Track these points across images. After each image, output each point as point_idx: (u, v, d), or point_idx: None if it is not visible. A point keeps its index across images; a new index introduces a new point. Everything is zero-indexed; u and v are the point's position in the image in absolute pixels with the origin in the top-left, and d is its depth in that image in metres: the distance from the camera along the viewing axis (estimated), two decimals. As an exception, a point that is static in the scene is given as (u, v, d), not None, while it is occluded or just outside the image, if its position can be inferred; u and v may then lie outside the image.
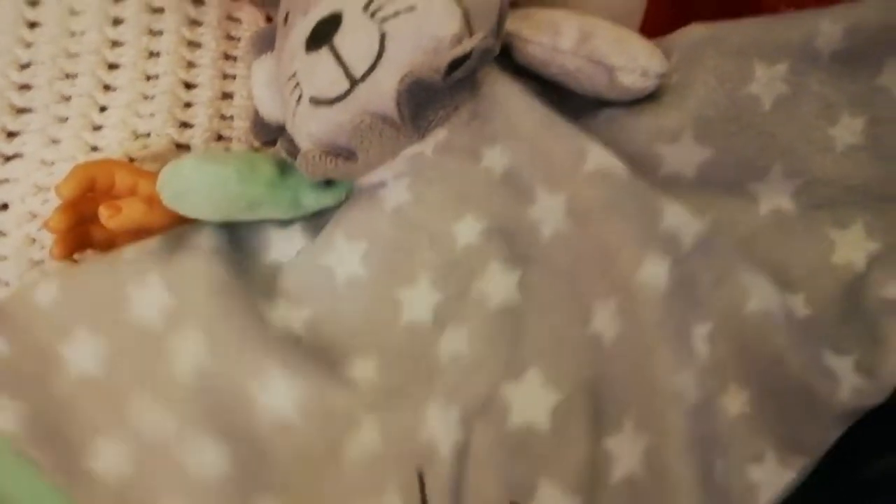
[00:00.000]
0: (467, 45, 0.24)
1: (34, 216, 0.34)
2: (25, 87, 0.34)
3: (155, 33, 0.35)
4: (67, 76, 0.34)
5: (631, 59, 0.26)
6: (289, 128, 0.28)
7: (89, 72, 0.34)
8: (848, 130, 0.28)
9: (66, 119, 0.34)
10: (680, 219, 0.26)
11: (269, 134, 0.30)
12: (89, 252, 0.33)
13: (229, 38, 0.37)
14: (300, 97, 0.25)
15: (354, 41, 0.24)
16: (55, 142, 0.34)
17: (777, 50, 0.27)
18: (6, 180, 0.34)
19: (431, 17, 0.25)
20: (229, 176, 0.28)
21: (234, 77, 0.36)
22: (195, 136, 0.35)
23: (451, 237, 0.27)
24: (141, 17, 0.35)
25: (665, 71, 0.27)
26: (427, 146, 0.27)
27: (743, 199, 0.28)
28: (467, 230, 0.27)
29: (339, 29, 0.24)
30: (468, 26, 0.25)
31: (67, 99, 0.34)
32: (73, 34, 0.35)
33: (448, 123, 0.26)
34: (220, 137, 0.35)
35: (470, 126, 0.27)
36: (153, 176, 0.32)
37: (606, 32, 0.27)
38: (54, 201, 0.33)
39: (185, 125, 0.35)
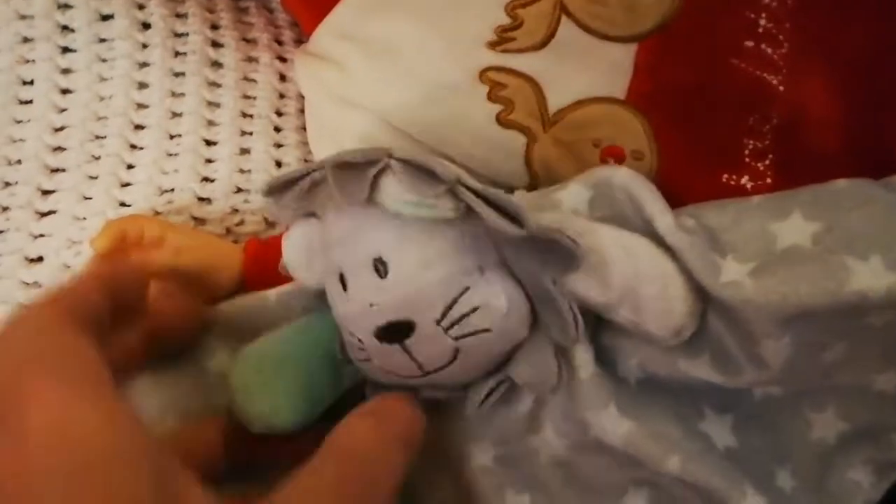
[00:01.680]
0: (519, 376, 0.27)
1: (67, 268, 0.36)
2: (59, 149, 0.37)
3: (177, 95, 0.38)
4: (97, 137, 0.37)
5: (666, 321, 0.26)
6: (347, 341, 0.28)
7: (117, 133, 0.37)
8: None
9: (97, 177, 0.36)
10: None
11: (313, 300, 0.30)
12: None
13: (246, 97, 0.39)
14: (369, 360, 0.26)
15: (429, 351, 0.25)
16: (86, 198, 0.36)
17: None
18: (41, 235, 0.36)
19: (503, 335, 0.26)
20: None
21: (251, 133, 0.39)
22: (216, 190, 0.37)
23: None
24: (164, 82, 0.38)
25: (695, 328, 0.26)
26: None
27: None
28: None
29: (412, 336, 0.25)
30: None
31: (97, 158, 0.37)
32: (101, 99, 0.37)
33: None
34: (239, 190, 0.38)
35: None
36: (179, 228, 0.34)
37: (650, 286, 0.26)
38: (86, 254, 0.35)
39: (206, 180, 0.37)
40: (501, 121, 0.33)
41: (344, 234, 0.26)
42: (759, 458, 0.28)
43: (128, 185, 0.37)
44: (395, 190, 0.24)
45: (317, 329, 0.29)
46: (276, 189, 0.27)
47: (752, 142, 0.31)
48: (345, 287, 0.26)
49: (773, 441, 0.28)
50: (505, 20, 0.31)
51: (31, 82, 0.37)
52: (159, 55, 0.38)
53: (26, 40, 0.37)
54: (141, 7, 0.39)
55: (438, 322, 0.25)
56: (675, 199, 0.28)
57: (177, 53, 0.39)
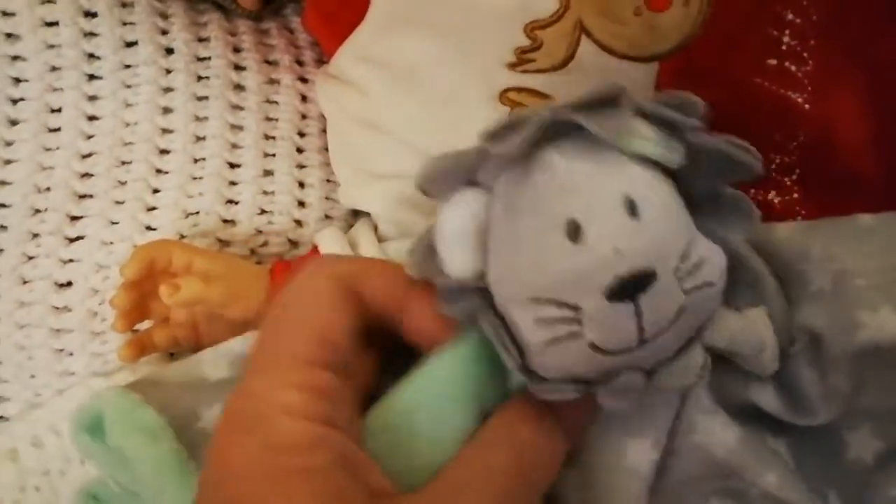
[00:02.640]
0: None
1: (96, 292, 0.37)
2: (87, 175, 0.37)
3: (201, 119, 0.39)
4: (123, 163, 0.38)
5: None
6: (528, 339, 0.23)
7: (143, 158, 0.38)
8: None
9: (123, 202, 0.37)
10: None
11: (463, 300, 0.23)
12: (146, 323, 0.36)
13: (268, 119, 0.40)
14: (576, 335, 0.22)
15: (660, 308, 0.22)
16: (114, 223, 0.37)
17: None
18: (70, 260, 0.37)
19: (718, 295, 0.23)
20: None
21: (274, 155, 0.39)
22: (240, 212, 0.38)
23: None
24: (188, 106, 0.38)
25: None
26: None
27: None
28: None
29: (649, 290, 0.22)
30: None
31: (124, 184, 0.37)
32: (127, 124, 0.38)
33: None
34: (263, 211, 0.38)
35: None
36: (206, 253, 0.35)
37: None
38: (114, 278, 0.36)
39: (231, 202, 0.38)
40: None
41: (580, 179, 0.22)
42: (814, 481, 0.28)
43: (154, 209, 0.37)
44: (647, 131, 0.22)
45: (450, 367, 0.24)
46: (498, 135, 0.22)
47: (778, 157, 0.30)
48: (576, 238, 0.22)
49: (819, 463, 0.28)
50: (524, 42, 0.32)
51: (59, 110, 0.38)
52: (183, 80, 0.39)
53: (54, 69, 0.38)
54: (164, 33, 0.40)
55: (675, 271, 0.22)
56: None
57: (200, 77, 0.39)
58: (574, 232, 0.22)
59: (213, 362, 0.30)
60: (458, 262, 0.23)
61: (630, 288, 0.21)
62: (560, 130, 0.22)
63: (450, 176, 0.23)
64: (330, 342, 0.22)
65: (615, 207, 0.22)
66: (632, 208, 0.22)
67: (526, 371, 0.23)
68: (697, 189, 0.23)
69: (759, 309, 0.26)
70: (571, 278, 0.22)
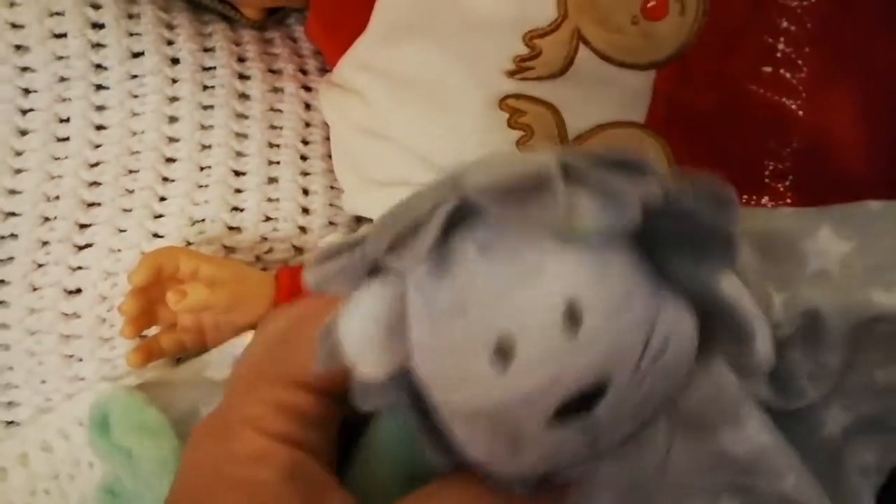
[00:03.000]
0: None
1: (104, 298, 0.37)
2: (95, 184, 0.38)
3: (206, 128, 0.39)
4: (130, 172, 0.38)
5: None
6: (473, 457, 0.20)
7: (150, 167, 0.38)
8: None
9: (131, 210, 0.38)
10: None
11: (381, 398, 0.20)
12: (153, 329, 0.37)
13: (273, 128, 0.40)
14: (515, 455, 0.19)
15: (615, 415, 0.19)
16: (121, 231, 0.37)
17: None
18: (79, 267, 0.37)
19: (686, 368, 0.20)
20: None
21: (278, 162, 0.40)
22: (246, 219, 0.38)
23: None
24: (194, 115, 0.39)
25: None
26: None
27: None
28: None
29: (600, 402, 0.18)
30: None
31: (131, 192, 0.38)
32: (134, 134, 0.39)
33: None
34: (268, 218, 0.39)
35: None
36: (212, 260, 0.35)
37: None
38: (122, 285, 0.36)
39: (236, 209, 0.38)
40: (521, 147, 0.33)
41: (505, 284, 0.18)
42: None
43: (160, 216, 0.38)
44: (591, 205, 0.18)
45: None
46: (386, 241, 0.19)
47: (772, 163, 0.31)
48: (507, 361, 0.18)
49: (798, 444, 0.28)
50: (523, 50, 0.32)
51: (68, 120, 0.38)
52: (188, 89, 0.39)
53: (62, 80, 0.38)
54: (170, 43, 0.40)
55: (633, 372, 0.18)
56: None
57: (205, 87, 0.40)
58: (504, 353, 0.18)
59: (218, 363, 0.31)
60: (370, 365, 0.20)
61: (574, 408, 0.18)
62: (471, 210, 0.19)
63: (348, 272, 0.20)
64: (330, 371, 0.21)
65: (551, 322, 0.18)
66: (572, 318, 0.18)
67: (443, 452, 0.20)
68: (665, 228, 0.20)
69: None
70: (504, 410, 0.19)
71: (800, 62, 0.30)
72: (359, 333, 0.20)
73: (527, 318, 0.18)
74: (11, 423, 0.38)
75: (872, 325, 0.25)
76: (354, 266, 0.20)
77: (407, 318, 0.19)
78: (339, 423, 0.22)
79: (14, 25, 0.38)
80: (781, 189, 0.31)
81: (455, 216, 0.18)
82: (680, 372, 0.20)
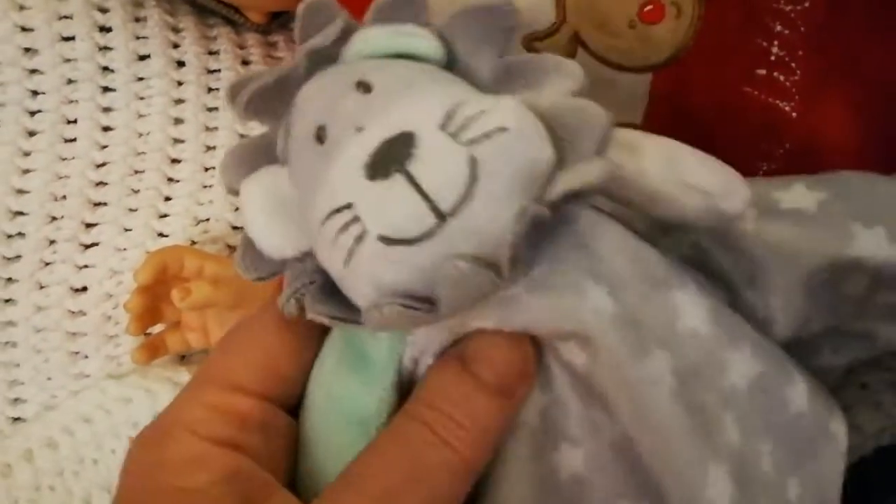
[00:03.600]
0: (586, 174, 0.19)
1: (110, 296, 0.38)
2: (101, 184, 0.39)
3: (211, 130, 0.40)
4: (136, 172, 0.39)
5: (726, 185, 0.23)
6: (336, 273, 0.20)
7: (155, 167, 0.39)
8: None
9: (136, 210, 0.38)
10: None
11: (270, 269, 0.21)
12: (158, 327, 0.37)
13: (276, 129, 0.41)
14: (361, 235, 0.19)
15: (438, 168, 0.19)
16: (127, 230, 0.38)
17: None
18: (85, 266, 0.38)
19: (526, 138, 0.20)
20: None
21: (281, 164, 0.40)
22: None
23: None
24: (199, 117, 0.40)
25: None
26: (520, 287, 0.21)
27: None
28: None
29: (413, 152, 0.19)
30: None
31: (137, 192, 0.39)
32: (140, 135, 0.39)
33: (546, 260, 0.21)
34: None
35: (569, 260, 0.21)
36: (216, 258, 0.36)
37: (691, 155, 0.23)
38: (127, 283, 0.37)
39: (239, 209, 0.39)
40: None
41: (321, 85, 0.21)
42: None
43: (166, 216, 0.38)
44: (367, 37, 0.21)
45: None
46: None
47: (765, 164, 0.31)
48: (323, 141, 0.20)
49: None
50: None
51: (75, 121, 0.39)
52: (194, 91, 0.40)
53: (70, 82, 0.39)
54: (176, 46, 0.41)
55: (443, 126, 0.19)
56: None
57: (210, 89, 0.41)
58: (320, 136, 0.20)
59: None
60: (275, 239, 0.21)
61: (388, 159, 0.19)
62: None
63: (247, 160, 0.21)
64: (274, 372, 0.21)
65: (346, 91, 0.20)
66: (363, 87, 0.20)
67: (349, 311, 0.20)
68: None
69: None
70: (332, 180, 0.19)
71: (793, 65, 0.30)
72: (256, 210, 0.21)
73: (331, 103, 0.20)
74: (17, 419, 0.38)
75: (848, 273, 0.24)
76: (253, 155, 0.21)
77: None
78: (291, 432, 0.21)
79: (24, 29, 0.39)
80: None
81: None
82: (518, 146, 0.19)
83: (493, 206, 0.19)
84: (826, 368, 0.26)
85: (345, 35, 0.21)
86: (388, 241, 0.19)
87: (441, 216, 0.19)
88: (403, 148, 0.19)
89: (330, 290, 0.20)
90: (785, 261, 0.23)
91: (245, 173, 0.21)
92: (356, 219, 0.19)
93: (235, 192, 0.21)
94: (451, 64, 0.21)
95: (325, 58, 0.21)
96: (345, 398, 0.21)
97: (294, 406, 0.22)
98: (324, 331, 0.22)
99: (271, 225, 0.20)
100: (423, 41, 0.21)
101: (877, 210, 0.24)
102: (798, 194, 0.25)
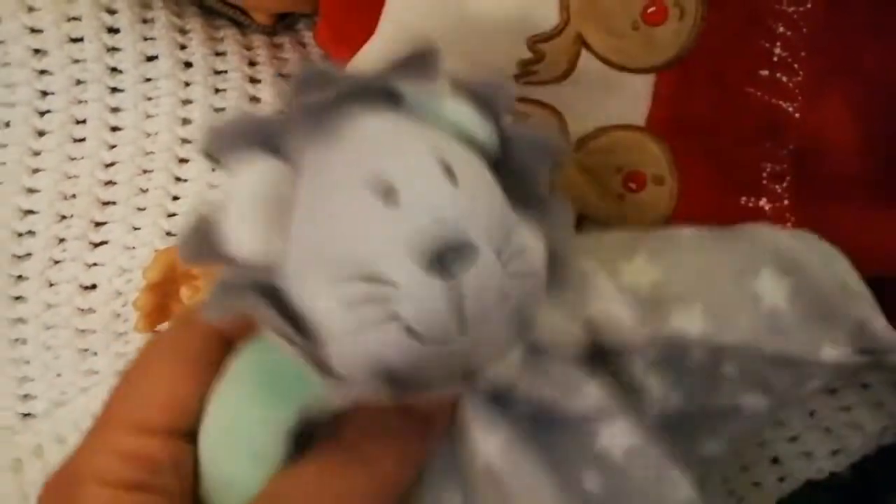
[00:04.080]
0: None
1: (119, 294, 0.38)
2: (110, 183, 0.39)
3: (218, 130, 0.40)
4: (144, 171, 0.39)
5: None
6: (335, 331, 0.19)
7: (163, 167, 0.39)
8: None
9: (145, 209, 0.39)
10: None
11: (213, 258, 0.20)
12: (167, 324, 0.37)
13: (282, 129, 0.41)
14: (391, 315, 0.18)
15: (482, 289, 0.19)
16: (136, 229, 0.39)
17: None
18: (95, 264, 0.38)
19: (540, 293, 0.21)
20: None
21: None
22: (256, 218, 0.39)
23: None
24: (206, 117, 0.40)
25: None
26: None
27: None
28: None
29: (470, 265, 0.19)
30: None
31: (145, 191, 0.39)
32: (148, 135, 0.40)
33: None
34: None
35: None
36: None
37: None
38: (136, 281, 0.37)
39: (246, 209, 0.39)
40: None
41: (393, 137, 0.20)
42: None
43: (174, 215, 0.39)
44: (462, 103, 0.22)
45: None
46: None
47: (769, 165, 0.32)
48: (390, 201, 0.19)
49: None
50: (527, 54, 0.33)
51: (84, 121, 0.39)
52: (201, 92, 0.40)
53: (79, 82, 0.39)
54: (183, 47, 0.41)
55: (498, 252, 0.19)
56: (697, 221, 0.29)
57: (217, 90, 0.41)
58: (388, 194, 0.19)
59: None
60: (246, 235, 0.19)
61: (449, 260, 0.19)
62: (368, 100, 0.21)
63: (243, 134, 0.20)
64: (179, 404, 0.20)
65: (432, 168, 0.19)
66: (449, 173, 0.20)
67: (321, 366, 0.19)
68: (511, 187, 0.21)
69: None
70: (385, 247, 0.19)
71: (796, 66, 0.31)
72: (245, 196, 0.19)
73: (412, 165, 0.20)
74: (27, 415, 0.39)
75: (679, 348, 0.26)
76: (251, 131, 0.20)
77: (294, 201, 0.20)
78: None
79: (33, 30, 0.39)
80: (779, 190, 0.31)
81: (355, 94, 0.21)
82: (535, 290, 0.21)
83: (497, 337, 0.20)
84: (709, 458, 0.27)
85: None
86: (411, 332, 0.19)
87: (463, 329, 0.19)
88: (465, 257, 0.19)
89: (276, 309, 0.19)
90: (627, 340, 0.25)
91: (239, 151, 0.20)
92: (390, 298, 0.19)
93: (217, 162, 0.20)
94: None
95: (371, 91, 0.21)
96: (242, 430, 0.20)
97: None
98: (221, 355, 0.21)
99: (257, 222, 0.19)
100: (481, 126, 0.21)
101: (698, 287, 0.26)
102: (637, 269, 0.26)
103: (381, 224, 0.19)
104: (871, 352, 0.26)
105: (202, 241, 0.20)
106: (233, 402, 0.21)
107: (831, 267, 0.26)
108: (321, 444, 0.20)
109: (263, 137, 0.20)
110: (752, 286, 0.25)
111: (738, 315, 0.25)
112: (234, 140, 0.20)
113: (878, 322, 0.26)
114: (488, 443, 0.22)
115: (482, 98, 0.22)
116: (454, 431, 0.22)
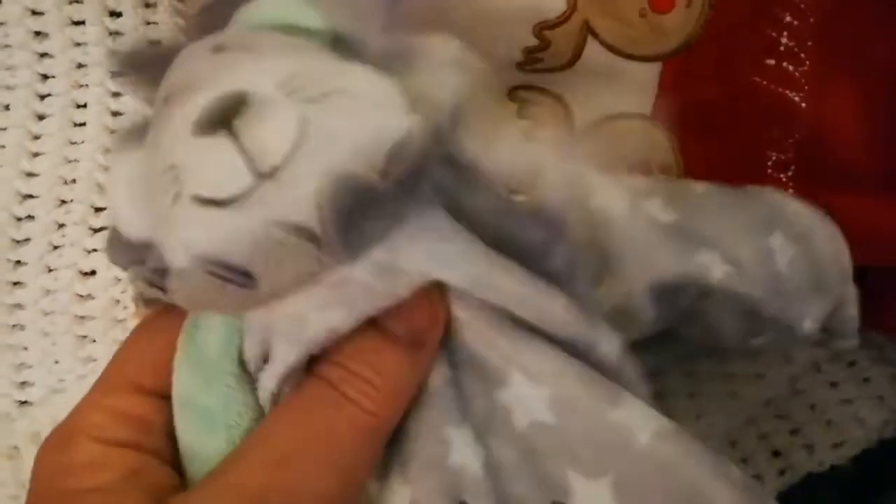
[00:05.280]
0: (410, 133, 0.18)
1: (118, 280, 0.38)
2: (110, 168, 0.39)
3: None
4: (145, 157, 0.39)
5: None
6: (157, 240, 0.19)
7: (164, 152, 0.39)
8: None
9: (145, 194, 0.39)
10: None
11: (132, 255, 0.20)
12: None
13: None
14: (178, 194, 0.17)
15: (264, 124, 0.17)
16: (136, 215, 0.38)
17: None
18: (94, 250, 0.38)
19: (372, 103, 0.18)
20: None
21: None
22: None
23: None
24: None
25: None
26: (360, 269, 0.19)
27: None
28: None
29: (244, 111, 0.17)
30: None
31: (146, 177, 0.39)
32: (149, 120, 0.40)
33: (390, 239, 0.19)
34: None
35: (420, 243, 0.19)
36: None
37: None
38: (136, 267, 0.37)
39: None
40: (531, 137, 0.34)
41: (180, 57, 0.20)
42: None
43: (174, 201, 0.39)
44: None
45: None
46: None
47: (774, 154, 0.32)
48: (166, 103, 0.19)
49: None
50: (533, 42, 0.33)
51: (85, 105, 0.39)
52: (203, 78, 0.40)
53: (80, 66, 0.39)
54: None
55: (282, 84, 0.17)
56: None
57: (219, 76, 0.41)
58: (168, 100, 0.19)
59: None
60: (135, 220, 0.19)
61: (216, 117, 0.17)
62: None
63: (131, 139, 0.20)
64: (167, 368, 0.21)
65: (201, 56, 0.19)
66: (219, 51, 0.19)
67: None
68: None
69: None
70: (162, 141, 0.18)
71: (802, 55, 0.31)
72: (114, 193, 0.20)
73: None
74: (25, 402, 0.38)
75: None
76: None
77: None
78: None
79: (34, 12, 0.39)
80: (784, 179, 0.31)
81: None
82: (364, 113, 0.18)
83: (318, 171, 0.17)
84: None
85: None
86: (201, 201, 0.17)
87: (259, 176, 0.17)
88: (234, 105, 0.17)
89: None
90: (640, 262, 0.24)
91: (118, 149, 0.20)
92: (176, 178, 0.17)
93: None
94: (338, 41, 0.20)
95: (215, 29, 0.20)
96: (189, 397, 0.20)
97: None
98: None
99: (133, 204, 0.19)
100: (304, 12, 0.20)
101: (719, 233, 0.25)
102: (657, 207, 0.25)
103: (162, 124, 0.19)
104: (830, 332, 0.26)
105: (117, 244, 0.21)
106: (177, 374, 0.21)
107: (833, 246, 0.26)
108: (307, 380, 0.20)
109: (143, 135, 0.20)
110: (767, 243, 0.25)
111: (755, 268, 0.24)
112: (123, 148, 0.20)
113: (852, 309, 0.26)
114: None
115: None
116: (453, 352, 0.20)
